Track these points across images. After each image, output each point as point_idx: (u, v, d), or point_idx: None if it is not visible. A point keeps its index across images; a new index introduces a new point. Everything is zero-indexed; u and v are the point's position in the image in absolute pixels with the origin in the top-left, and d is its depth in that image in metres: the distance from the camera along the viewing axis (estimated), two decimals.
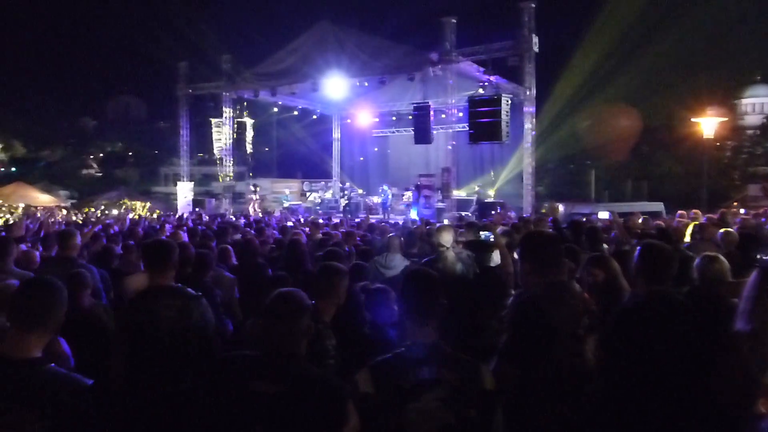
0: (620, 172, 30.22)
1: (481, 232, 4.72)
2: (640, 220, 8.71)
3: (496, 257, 5.91)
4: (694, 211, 10.01)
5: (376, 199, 25.27)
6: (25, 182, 32.71)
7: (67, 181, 45.49)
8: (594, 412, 2.79)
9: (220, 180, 26.43)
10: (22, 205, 25.09)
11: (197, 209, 23.88)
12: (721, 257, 3.77)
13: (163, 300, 3.63)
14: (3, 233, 7.64)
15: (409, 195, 23.48)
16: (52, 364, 2.21)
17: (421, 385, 2.33)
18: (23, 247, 5.88)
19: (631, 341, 2.87)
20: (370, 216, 18.17)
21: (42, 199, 29.28)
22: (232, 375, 2.42)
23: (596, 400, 2.83)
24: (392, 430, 2.31)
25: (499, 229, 6.17)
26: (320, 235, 8.62)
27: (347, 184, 27.64)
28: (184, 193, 26.05)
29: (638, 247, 3.17)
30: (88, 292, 4.43)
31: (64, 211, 21.30)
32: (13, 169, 47.90)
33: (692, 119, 23.31)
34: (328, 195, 27.46)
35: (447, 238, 5.52)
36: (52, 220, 12.58)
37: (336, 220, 15.57)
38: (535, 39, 18.74)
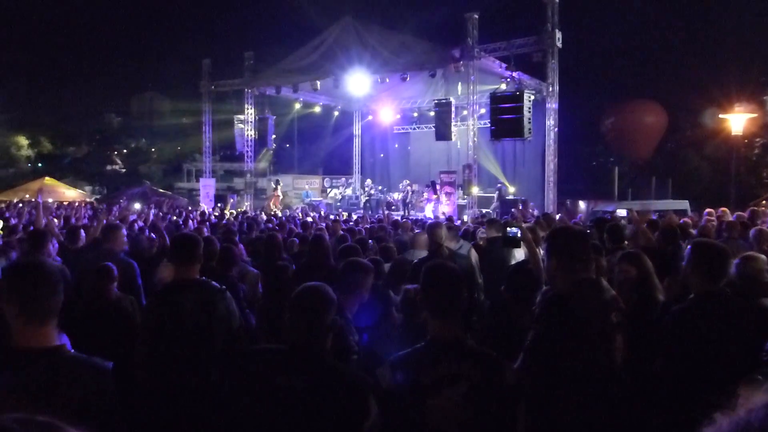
0: (644, 170, 29.79)
1: (507, 228, 4.68)
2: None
3: (518, 254, 5.88)
4: (722, 209, 9.85)
5: (396, 196, 25.27)
6: (51, 178, 33.31)
7: (93, 176, 46.19)
8: (622, 410, 2.75)
9: (250, 175, 26.60)
10: (50, 199, 25.47)
11: (219, 205, 24.09)
12: (761, 256, 3.77)
13: (188, 293, 3.66)
14: (31, 227, 7.77)
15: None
16: (72, 350, 2.21)
17: (441, 381, 2.31)
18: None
19: (690, 341, 2.87)
20: (391, 212, 18.20)
21: (68, 194, 29.76)
22: (258, 368, 2.43)
23: (623, 399, 2.79)
24: (413, 425, 2.30)
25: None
26: (341, 231, 8.66)
27: (368, 181, 27.67)
28: (207, 189, 26.31)
29: (689, 246, 3.15)
30: (114, 284, 4.49)
31: (86, 205, 21.56)
32: (40, 164, 48.77)
33: (720, 115, 22.90)
34: (349, 191, 27.51)
35: (439, 235, 5.58)
36: (77, 214, 12.77)
37: (355, 217, 15.60)
38: (559, 34, 18.56)
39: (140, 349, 3.69)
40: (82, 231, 6.50)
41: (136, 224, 9.91)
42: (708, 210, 9.73)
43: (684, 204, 19.36)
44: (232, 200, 26.19)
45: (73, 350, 2.21)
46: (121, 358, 3.57)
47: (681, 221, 8.85)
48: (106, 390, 2.09)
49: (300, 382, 2.29)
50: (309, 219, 13.52)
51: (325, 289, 2.49)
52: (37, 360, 2.04)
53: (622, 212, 12.40)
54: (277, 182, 27.12)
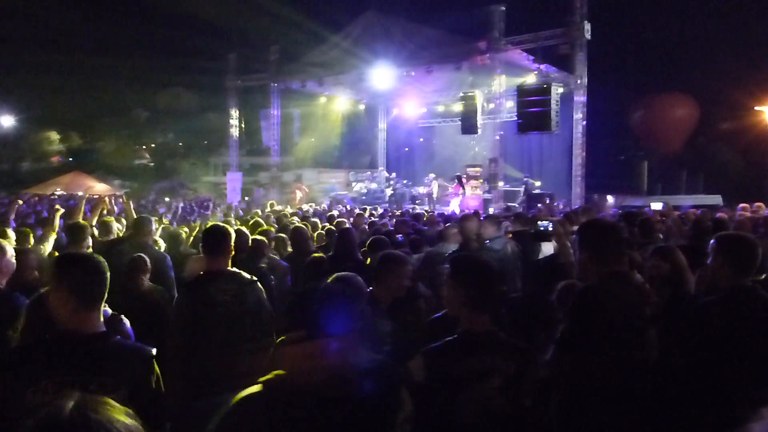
0: (675, 164, 29.22)
1: (538, 222, 4.66)
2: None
3: (545, 248, 5.82)
4: (757, 204, 9.64)
5: (421, 190, 25.23)
6: (81, 172, 33.99)
7: (122, 170, 46.93)
8: (656, 405, 2.71)
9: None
10: (80, 193, 25.99)
11: (246, 198, 24.31)
12: None
13: (219, 284, 3.70)
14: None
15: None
16: (118, 336, 2.31)
17: (473, 374, 2.30)
18: None
19: (714, 337, 2.81)
20: (416, 206, 18.21)
21: (98, 187, 30.31)
22: None
23: (657, 394, 2.75)
24: (445, 418, 2.29)
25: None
26: (365, 225, 8.69)
27: (393, 175, 27.65)
28: (233, 182, 26.52)
29: (713, 240, 3.08)
30: (147, 276, 4.57)
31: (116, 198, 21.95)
32: (71, 159, 49.74)
33: (756, 107, 22.35)
34: (374, 185, 27.51)
35: (470, 228, 5.56)
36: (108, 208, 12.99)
37: (381, 211, 15.64)
38: (588, 26, 18.26)
39: (172, 339, 3.75)
40: (114, 224, 6.64)
41: (165, 216, 10.06)
42: (742, 204, 9.53)
43: (716, 199, 18.98)
44: (257, 194, 26.41)
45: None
46: (155, 347, 3.64)
47: (716, 216, 8.69)
48: (151, 374, 2.20)
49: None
50: (335, 213, 13.57)
51: (356, 279, 2.50)
52: (86, 343, 2.14)
53: (657, 206, 12.13)
54: (298, 177, 27.23)
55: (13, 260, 3.58)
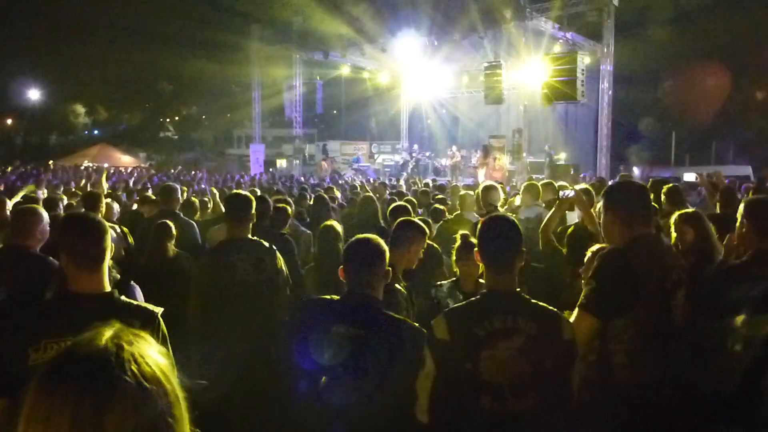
0: (703, 134, 28.55)
1: (561, 191, 4.61)
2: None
3: (571, 216, 5.76)
4: None
5: (444, 162, 25.09)
6: (107, 144, 34.48)
7: (147, 143, 47.44)
8: (682, 367, 2.69)
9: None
10: (106, 165, 26.38)
11: (271, 170, 24.44)
12: None
13: (240, 250, 3.75)
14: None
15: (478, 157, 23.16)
16: (122, 296, 2.31)
17: (496, 334, 2.30)
18: None
19: (737, 300, 2.75)
20: (438, 177, 18.17)
21: (124, 159, 30.71)
22: (314, 317, 2.47)
23: (683, 358, 2.73)
24: (467, 377, 2.30)
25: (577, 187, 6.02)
26: (387, 196, 8.70)
27: (415, 147, 27.49)
28: (257, 154, 26.62)
29: (742, 204, 3.00)
30: (172, 242, 4.63)
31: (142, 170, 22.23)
32: (96, 131, 50.34)
33: None
34: (397, 157, 27.41)
35: (495, 197, 5.53)
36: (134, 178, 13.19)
37: (402, 182, 15.63)
38: None
39: (194, 302, 3.82)
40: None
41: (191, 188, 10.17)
42: None
43: (746, 170, 18.58)
44: (280, 167, 26.54)
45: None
46: (178, 311, 3.72)
47: (742, 187, 8.54)
48: (157, 334, 2.17)
49: (354, 331, 2.32)
50: (357, 183, 13.62)
51: (377, 241, 2.50)
52: (90, 303, 2.14)
53: (690, 177, 11.91)
54: (325, 150, 27.20)
55: (48, 227, 3.65)
